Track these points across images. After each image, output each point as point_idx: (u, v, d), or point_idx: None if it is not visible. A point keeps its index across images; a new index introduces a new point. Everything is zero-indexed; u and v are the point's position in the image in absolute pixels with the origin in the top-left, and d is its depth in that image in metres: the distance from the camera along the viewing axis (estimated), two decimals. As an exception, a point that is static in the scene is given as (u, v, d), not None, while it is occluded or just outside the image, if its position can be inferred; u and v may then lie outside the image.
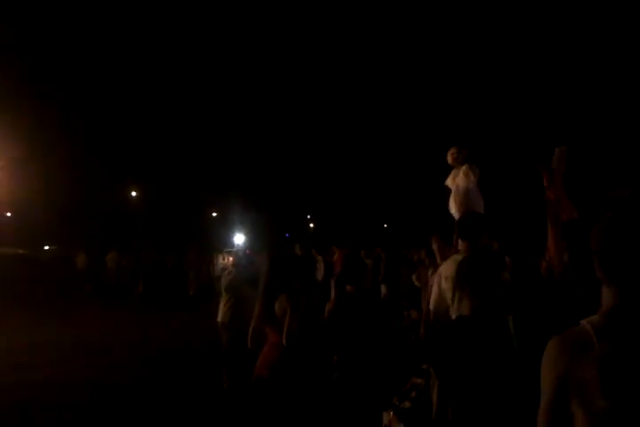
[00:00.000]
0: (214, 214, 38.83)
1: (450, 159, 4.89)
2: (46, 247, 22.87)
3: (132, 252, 18.35)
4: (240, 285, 5.68)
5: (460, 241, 3.52)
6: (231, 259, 6.38)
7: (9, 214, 28.37)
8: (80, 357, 7.22)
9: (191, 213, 34.77)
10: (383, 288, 9.28)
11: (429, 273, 5.71)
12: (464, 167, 4.74)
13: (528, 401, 1.54)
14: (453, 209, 4.78)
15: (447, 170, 5.20)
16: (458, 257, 3.36)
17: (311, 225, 47.93)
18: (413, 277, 7.74)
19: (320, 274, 11.07)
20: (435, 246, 4.54)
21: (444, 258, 4.12)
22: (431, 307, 3.52)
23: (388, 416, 2.55)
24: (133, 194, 32.25)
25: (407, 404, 2.42)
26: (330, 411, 3.23)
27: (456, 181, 4.80)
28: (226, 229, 32.86)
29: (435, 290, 3.52)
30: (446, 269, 3.40)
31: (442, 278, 3.42)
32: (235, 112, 34.12)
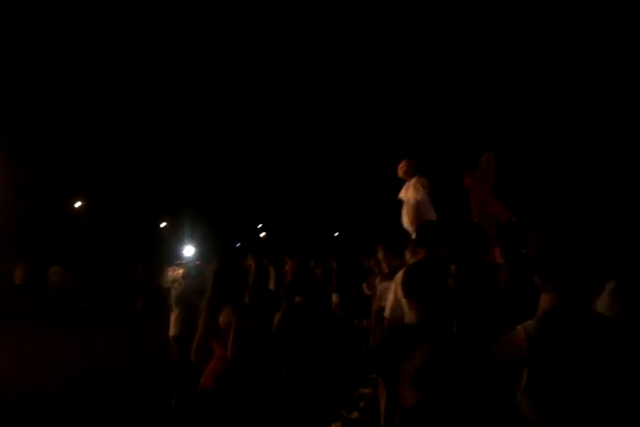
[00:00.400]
0: (163, 225, 38.03)
1: (400, 172, 4.99)
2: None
3: (77, 264, 17.66)
4: (190, 296, 5.59)
5: (418, 249, 3.56)
6: (181, 271, 6.27)
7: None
8: (22, 375, 6.96)
9: (139, 223, 33.91)
10: (334, 297, 9.30)
11: (377, 281, 5.78)
12: (413, 180, 4.84)
13: (476, 407, 1.56)
14: (406, 222, 4.86)
15: (396, 179, 5.29)
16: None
17: (262, 234, 47.64)
18: (364, 285, 7.79)
19: (272, 284, 11.00)
20: (380, 255, 4.59)
21: (390, 266, 4.17)
22: (387, 314, 3.54)
23: (335, 428, 2.55)
24: (78, 204, 31.17)
25: (355, 414, 2.43)
26: (278, 423, 3.20)
27: (407, 193, 4.88)
28: (176, 239, 32.21)
29: (391, 297, 3.54)
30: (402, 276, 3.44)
31: (398, 286, 3.45)
32: (182, 120, 33.60)
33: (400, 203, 5.08)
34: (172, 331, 5.75)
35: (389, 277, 4.30)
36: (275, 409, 3.16)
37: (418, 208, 4.77)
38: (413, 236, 4.69)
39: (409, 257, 3.83)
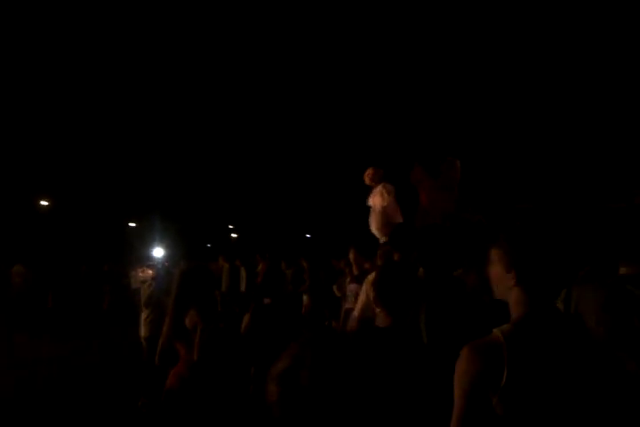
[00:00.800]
0: (132, 225, 37.42)
1: (366, 180, 5.12)
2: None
3: (42, 264, 17.23)
4: (160, 297, 5.55)
5: (393, 252, 3.60)
6: (150, 272, 6.24)
7: None
8: None
9: (107, 223, 33.31)
10: (305, 299, 9.29)
11: (347, 283, 5.81)
12: (379, 187, 4.96)
13: (443, 411, 1.56)
14: (373, 228, 4.95)
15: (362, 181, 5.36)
16: None
17: (233, 235, 47.30)
18: (334, 287, 7.81)
19: (243, 285, 10.97)
20: (351, 257, 4.64)
21: (360, 269, 4.21)
22: (356, 314, 3.56)
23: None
24: (44, 203, 30.41)
25: None
26: (245, 424, 3.17)
27: (373, 200, 4.99)
28: (145, 239, 31.70)
29: (362, 297, 3.57)
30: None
31: (370, 287, 3.48)
32: (151, 120, 33.14)
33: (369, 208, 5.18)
34: (142, 332, 5.70)
35: (359, 279, 4.34)
36: (242, 411, 3.14)
37: (384, 215, 4.89)
38: (382, 241, 4.78)
39: (380, 262, 3.87)
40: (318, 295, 9.20)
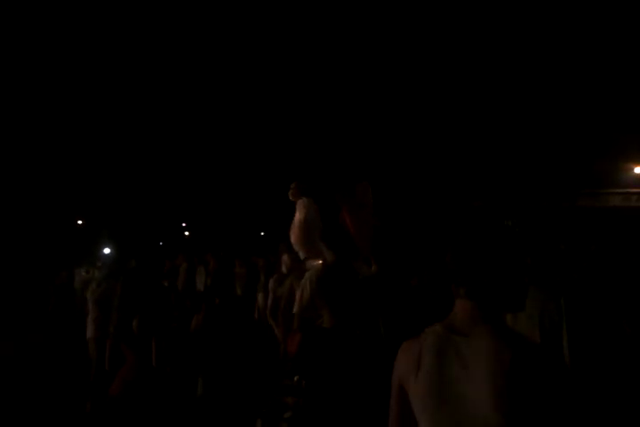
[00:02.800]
0: (80, 222, 36.28)
1: (290, 195, 5.17)
2: None
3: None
4: (110, 298, 5.40)
5: (326, 251, 3.60)
6: (97, 272, 6.06)
7: None
8: None
9: (52, 220, 32.13)
10: (260, 298, 9.23)
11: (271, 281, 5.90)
12: (299, 201, 5.04)
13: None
14: (293, 242, 5.04)
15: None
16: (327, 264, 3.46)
17: (186, 233, 46.59)
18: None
19: (201, 284, 10.81)
20: (283, 255, 4.61)
21: (295, 267, 4.21)
22: (295, 310, 3.53)
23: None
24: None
25: (284, 426, 2.36)
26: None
27: (295, 215, 5.08)
28: (94, 238, 30.76)
29: (300, 294, 3.54)
30: (314, 275, 3.45)
31: (310, 284, 3.46)
32: (101, 115, 32.18)
33: None
34: (89, 333, 5.54)
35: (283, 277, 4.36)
36: (190, 414, 3.08)
37: (303, 229, 4.95)
38: (301, 256, 4.88)
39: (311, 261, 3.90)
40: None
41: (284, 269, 4.76)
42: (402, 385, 1.41)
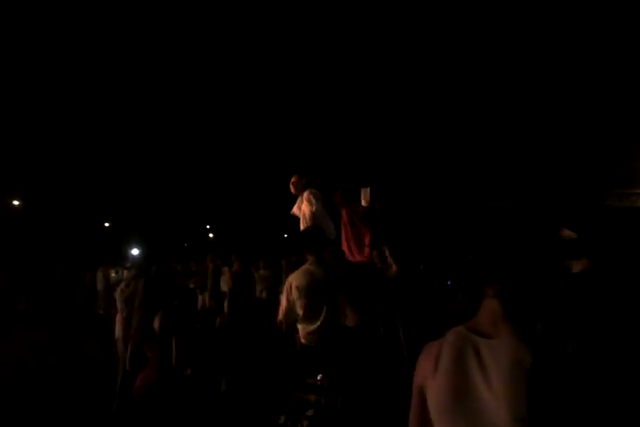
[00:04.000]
0: (107, 225, 36.92)
1: (292, 188, 5.14)
2: None
3: (14, 265, 16.90)
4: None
5: (307, 253, 3.60)
6: (126, 273, 6.11)
7: None
8: None
9: (81, 223, 32.77)
10: (283, 298, 9.26)
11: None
12: (305, 194, 4.99)
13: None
14: None
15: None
16: (309, 267, 3.46)
17: (210, 235, 47.01)
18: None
19: (225, 285, 10.89)
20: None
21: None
22: (281, 317, 3.50)
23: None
24: (16, 203, 29.81)
25: (305, 423, 2.40)
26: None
27: (302, 208, 5.02)
28: (120, 240, 31.26)
29: (284, 300, 3.53)
30: (297, 278, 3.44)
31: (292, 288, 3.45)
32: (129, 118, 32.67)
33: (296, 219, 5.24)
34: (117, 333, 5.63)
35: None
36: (213, 411, 3.13)
37: (314, 220, 4.92)
38: None
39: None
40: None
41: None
42: (422, 387, 1.40)
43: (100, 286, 15.31)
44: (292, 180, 5.16)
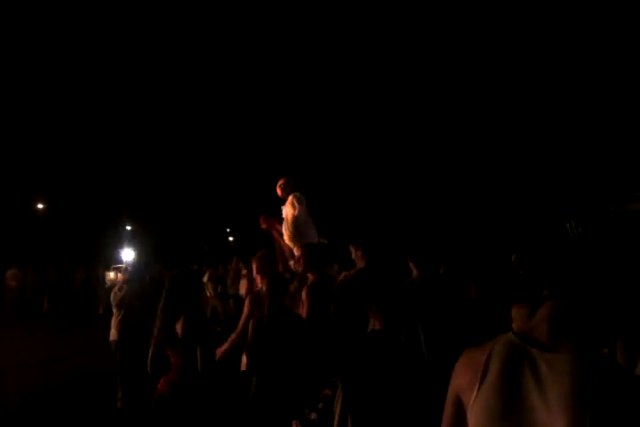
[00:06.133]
0: (128, 228, 37.34)
1: (278, 191, 5.15)
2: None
3: (37, 267, 17.19)
4: (133, 301, 5.55)
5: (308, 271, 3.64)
6: (120, 275, 6.24)
7: None
8: None
9: (103, 225, 33.20)
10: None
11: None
12: (290, 197, 4.99)
13: (437, 415, 1.53)
14: (287, 238, 5.01)
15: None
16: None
17: (230, 238, 47.25)
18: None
19: (244, 288, 10.88)
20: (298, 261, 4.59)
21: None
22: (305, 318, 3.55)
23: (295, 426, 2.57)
24: (40, 206, 30.39)
25: (314, 415, 2.43)
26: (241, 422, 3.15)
27: (285, 211, 5.04)
28: (139, 242, 31.62)
29: (305, 308, 3.56)
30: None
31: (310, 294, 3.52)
32: (146, 120, 33.12)
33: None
34: (112, 335, 5.73)
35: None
36: (241, 414, 3.12)
37: (296, 224, 4.92)
38: (295, 251, 4.87)
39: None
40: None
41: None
42: (460, 397, 1.29)
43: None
44: (279, 182, 5.19)
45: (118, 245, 28.47)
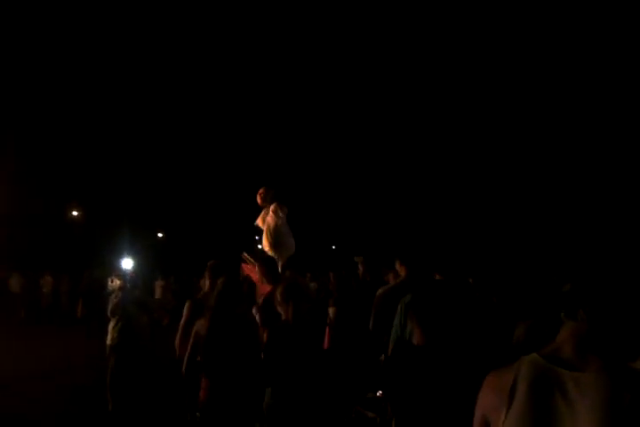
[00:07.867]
0: (160, 235, 37.93)
1: (258, 199, 5.18)
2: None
3: (71, 273, 17.54)
4: (128, 308, 5.77)
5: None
6: (118, 282, 6.42)
7: None
8: (18, 384, 7.01)
9: (135, 232, 33.80)
10: (331, 311, 9.20)
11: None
12: (272, 206, 5.01)
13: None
14: (266, 247, 5.01)
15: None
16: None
17: (259, 246, 47.47)
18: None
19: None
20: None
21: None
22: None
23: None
24: (75, 213, 31.12)
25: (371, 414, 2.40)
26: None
27: (266, 220, 5.04)
28: (172, 250, 32.08)
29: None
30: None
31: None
32: (171, 129, 33.69)
33: (257, 230, 5.25)
34: (109, 340, 5.87)
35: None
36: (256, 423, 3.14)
37: (277, 233, 4.94)
38: (279, 261, 4.94)
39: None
40: (346, 309, 9.11)
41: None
42: (486, 418, 1.26)
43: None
44: (260, 191, 5.24)
45: (150, 252, 28.97)
